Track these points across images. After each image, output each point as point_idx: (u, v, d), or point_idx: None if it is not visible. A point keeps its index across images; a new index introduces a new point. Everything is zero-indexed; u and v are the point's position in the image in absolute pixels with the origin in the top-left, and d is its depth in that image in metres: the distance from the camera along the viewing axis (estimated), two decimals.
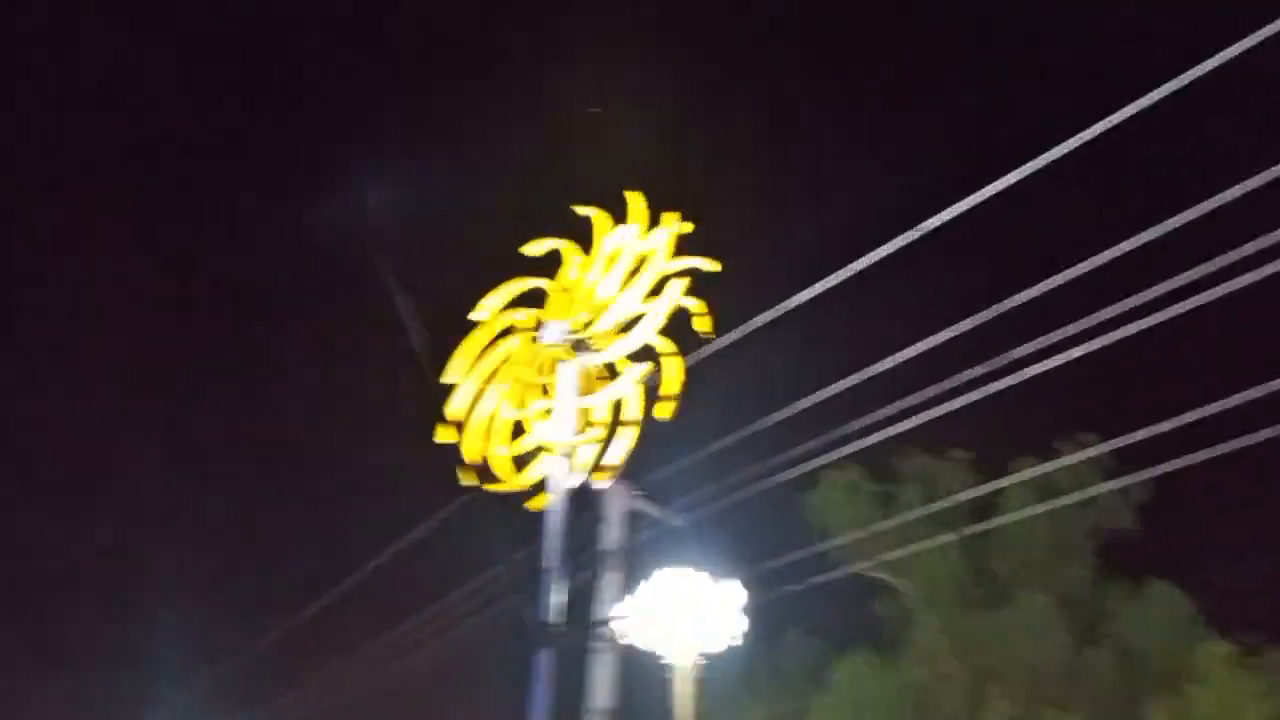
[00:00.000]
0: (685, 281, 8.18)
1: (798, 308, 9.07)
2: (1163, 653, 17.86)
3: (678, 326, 7.94)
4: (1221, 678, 15.73)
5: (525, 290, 8.56)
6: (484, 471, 8.15)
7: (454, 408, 8.11)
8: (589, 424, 8.15)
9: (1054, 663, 18.42)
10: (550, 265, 8.81)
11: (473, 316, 8.33)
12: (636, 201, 8.38)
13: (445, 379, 8.06)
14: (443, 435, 7.84)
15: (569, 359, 8.28)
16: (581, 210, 8.53)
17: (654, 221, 8.38)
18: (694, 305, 7.91)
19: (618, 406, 8.12)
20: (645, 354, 7.94)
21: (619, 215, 8.55)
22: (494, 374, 8.28)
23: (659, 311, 7.94)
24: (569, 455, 7.93)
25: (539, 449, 8.19)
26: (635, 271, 8.24)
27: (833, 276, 8.70)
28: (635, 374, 7.94)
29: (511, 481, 8.22)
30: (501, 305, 8.48)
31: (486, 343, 8.35)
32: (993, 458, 19.22)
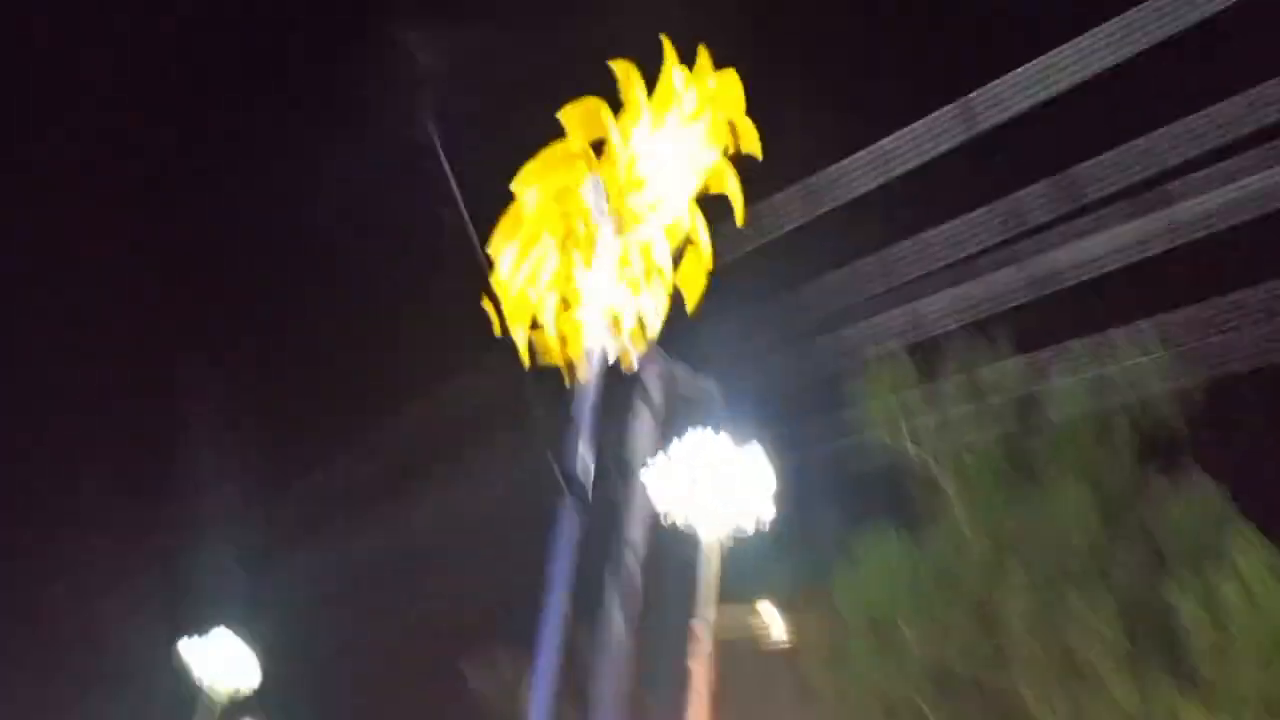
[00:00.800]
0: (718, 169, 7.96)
1: (848, 181, 9.16)
2: (1192, 539, 18.00)
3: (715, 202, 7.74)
4: (1246, 564, 15.87)
5: (564, 154, 8.41)
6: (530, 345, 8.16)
7: (500, 277, 8.13)
8: (628, 286, 8.11)
9: (1079, 544, 18.66)
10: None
11: (513, 187, 8.28)
12: (669, 50, 8.11)
13: (490, 250, 8.08)
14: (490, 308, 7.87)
15: (607, 222, 8.19)
16: (617, 66, 8.30)
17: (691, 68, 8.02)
18: (731, 190, 7.76)
19: (650, 276, 8.07)
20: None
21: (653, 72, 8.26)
22: (535, 240, 8.25)
23: (688, 191, 7.82)
24: (606, 319, 7.96)
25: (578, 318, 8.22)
26: (677, 134, 8.07)
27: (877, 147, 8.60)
28: (663, 255, 7.87)
29: (553, 354, 8.18)
30: (540, 173, 8.37)
31: (526, 212, 8.33)
32: (1040, 344, 19.20)
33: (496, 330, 7.61)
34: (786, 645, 20.73)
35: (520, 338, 7.91)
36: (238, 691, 20.86)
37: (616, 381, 10.90)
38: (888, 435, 19.90)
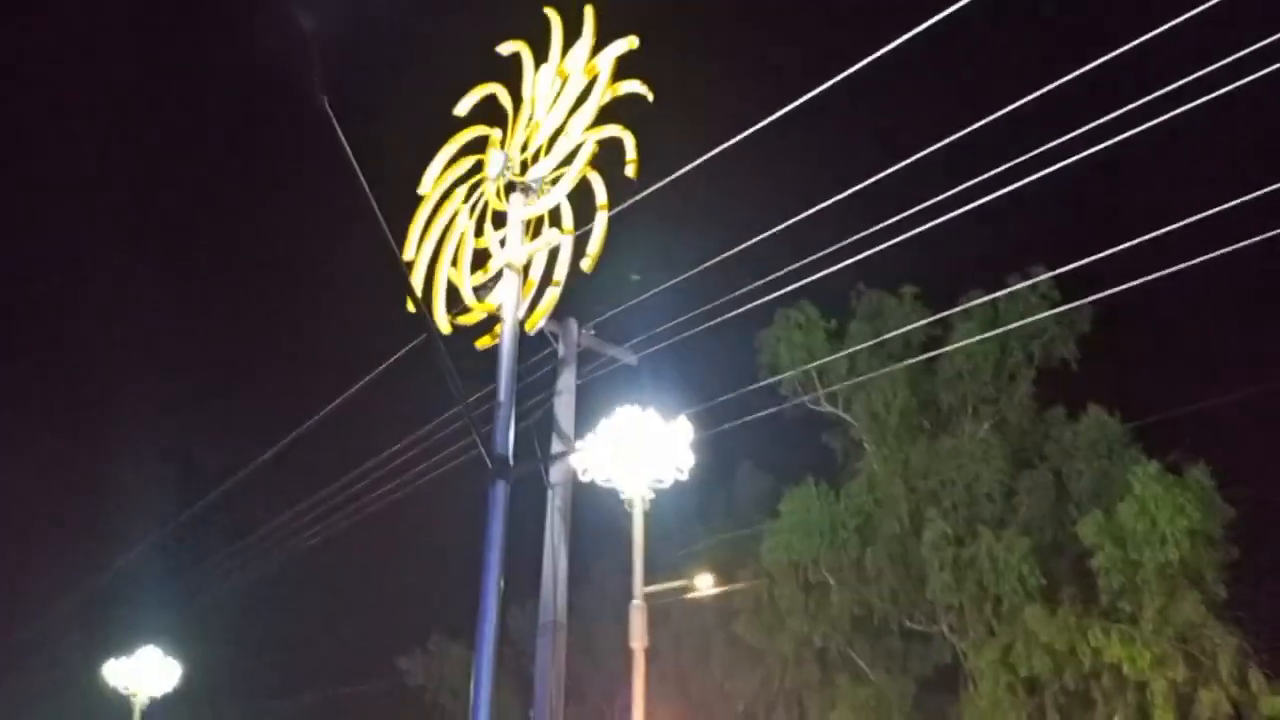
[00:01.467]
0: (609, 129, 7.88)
1: (749, 139, 9.03)
2: (1094, 473, 18.85)
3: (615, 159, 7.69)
4: (1147, 495, 16.65)
5: (469, 141, 8.45)
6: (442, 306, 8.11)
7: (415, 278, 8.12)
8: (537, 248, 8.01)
9: (991, 486, 19.38)
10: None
11: (420, 191, 8.33)
12: (589, 16, 8.10)
13: (406, 255, 8.06)
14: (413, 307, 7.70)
15: (515, 191, 8.15)
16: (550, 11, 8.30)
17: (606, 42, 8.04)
18: (626, 140, 7.71)
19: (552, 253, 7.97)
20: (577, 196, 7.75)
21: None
22: (445, 234, 8.26)
23: (583, 152, 7.74)
24: (520, 279, 7.87)
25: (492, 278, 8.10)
26: (581, 98, 7.98)
27: (787, 108, 8.69)
28: (553, 233, 7.80)
29: (466, 310, 8.06)
30: (443, 168, 8.40)
31: (434, 209, 8.34)
32: (942, 292, 20.15)
33: (409, 305, 7.50)
34: (717, 601, 21.22)
35: (439, 311, 7.90)
36: (157, 696, 20.63)
37: (532, 353, 11.05)
38: (801, 388, 20.40)
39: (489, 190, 8.25)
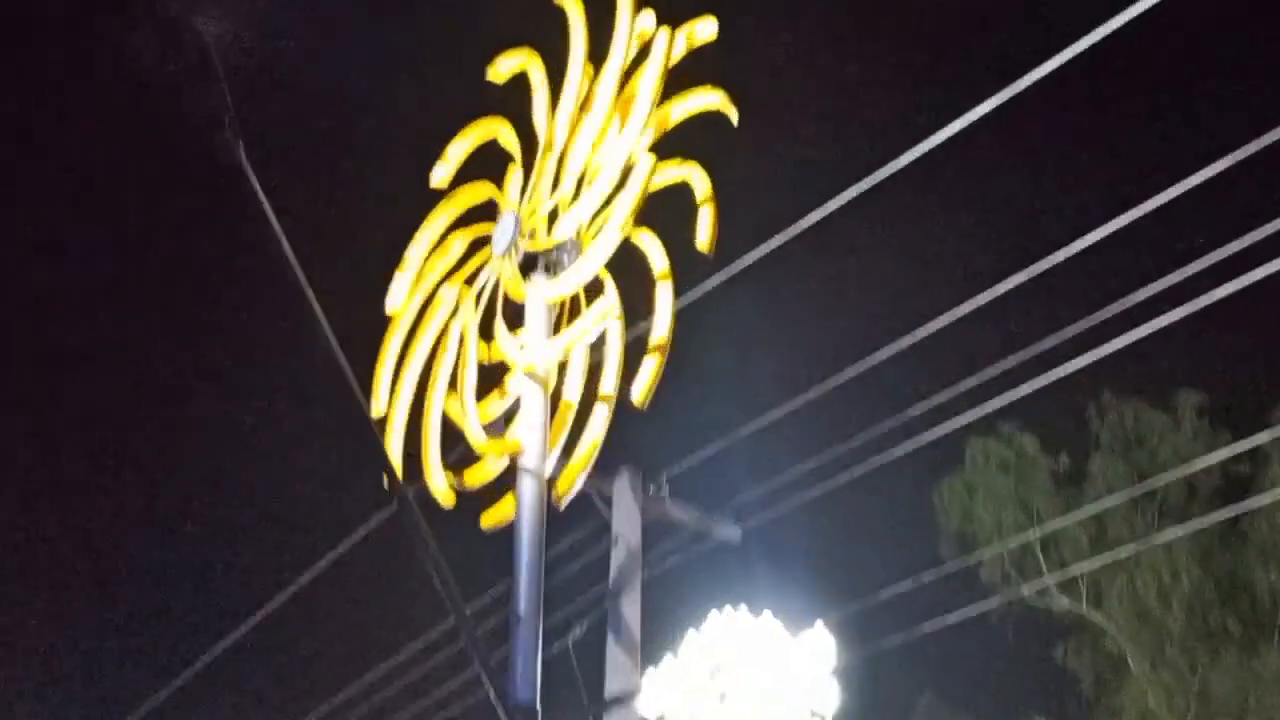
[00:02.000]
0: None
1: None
2: None
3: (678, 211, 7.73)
4: None
5: (460, 214, 8.75)
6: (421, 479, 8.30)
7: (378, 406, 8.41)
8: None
9: None
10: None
11: (389, 309, 8.62)
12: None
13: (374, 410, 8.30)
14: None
15: (542, 295, 8.11)
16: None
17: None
18: (696, 180, 7.81)
19: (592, 364, 7.98)
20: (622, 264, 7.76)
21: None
22: (435, 353, 8.49)
23: (638, 174, 7.70)
24: (545, 402, 7.92)
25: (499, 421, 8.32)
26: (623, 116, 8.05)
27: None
28: (597, 312, 7.73)
29: (447, 492, 8.16)
30: (423, 261, 8.65)
31: (411, 330, 8.60)
32: (1244, 404, 19.69)
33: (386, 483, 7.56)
34: None
35: (434, 473, 8.05)
36: None
37: (573, 526, 10.75)
38: (1014, 570, 19.85)
39: (497, 273, 8.30)
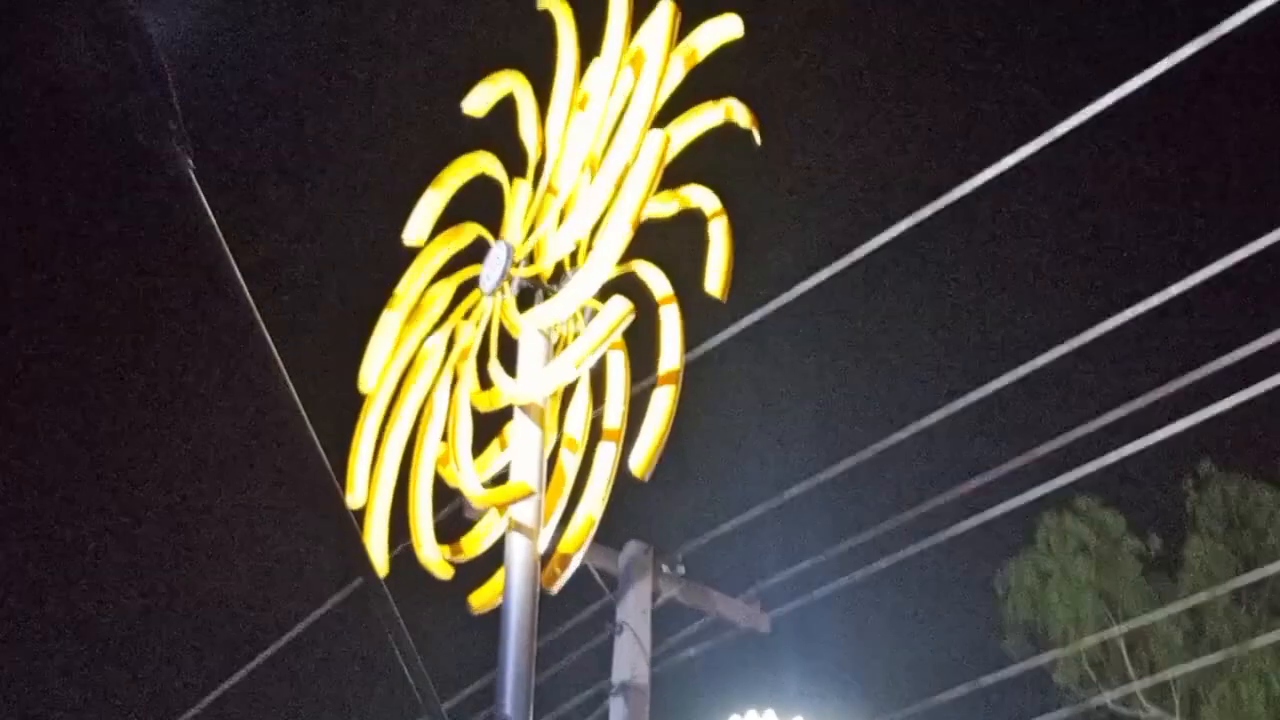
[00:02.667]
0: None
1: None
2: None
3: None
4: None
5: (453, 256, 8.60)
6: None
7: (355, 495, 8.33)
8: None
9: None
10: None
11: (363, 387, 8.56)
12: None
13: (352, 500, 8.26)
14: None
15: (534, 323, 8.00)
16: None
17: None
18: (736, 113, 7.78)
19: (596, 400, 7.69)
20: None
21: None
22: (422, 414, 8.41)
23: (649, 151, 7.53)
24: (542, 457, 7.70)
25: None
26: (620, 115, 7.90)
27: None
28: (598, 331, 7.50)
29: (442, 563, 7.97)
30: (405, 320, 8.54)
31: (391, 401, 8.48)
32: None
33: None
34: None
35: (429, 546, 7.87)
36: None
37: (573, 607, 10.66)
38: (1093, 673, 19.58)
39: (490, 314, 8.19)
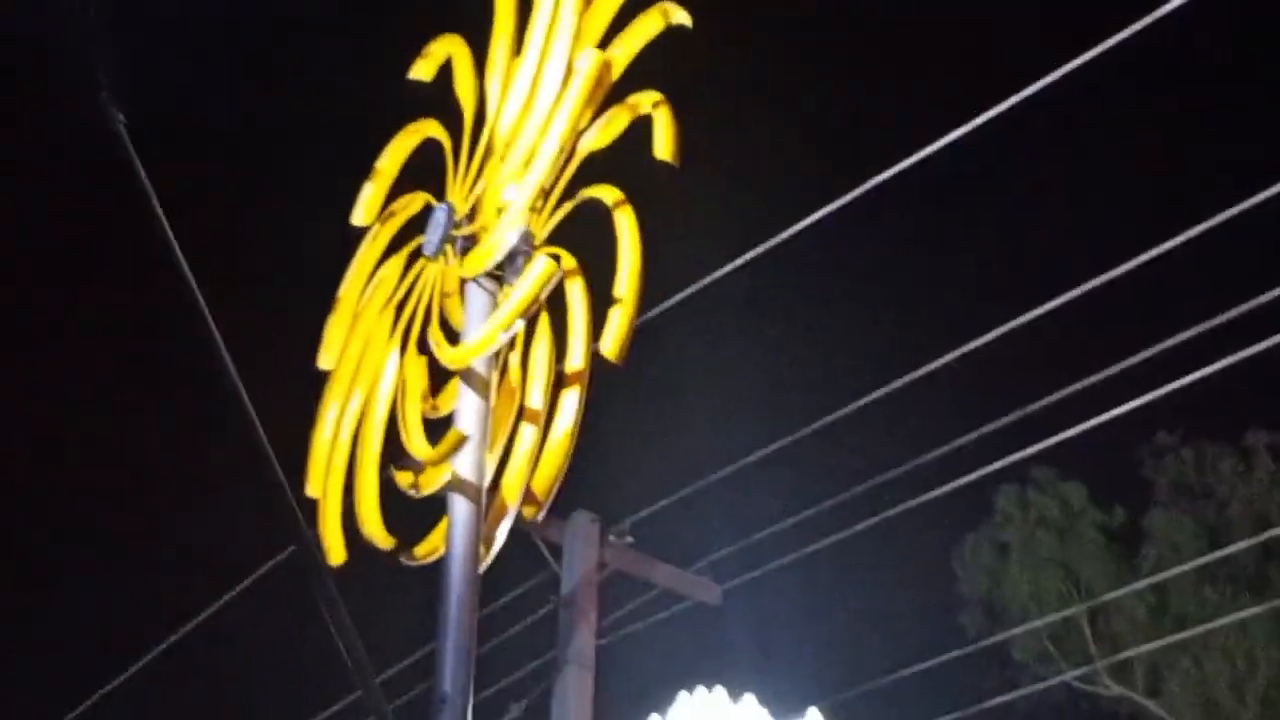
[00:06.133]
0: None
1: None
2: None
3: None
4: None
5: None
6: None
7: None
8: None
9: None
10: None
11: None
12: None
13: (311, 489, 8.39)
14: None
15: (465, 273, 8.19)
16: None
17: None
18: (652, 109, 7.81)
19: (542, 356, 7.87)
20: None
21: None
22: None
23: (561, 120, 7.74)
24: (485, 401, 7.90)
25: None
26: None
27: None
28: (530, 282, 7.64)
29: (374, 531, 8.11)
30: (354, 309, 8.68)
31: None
32: None
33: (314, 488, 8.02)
34: None
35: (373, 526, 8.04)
36: None
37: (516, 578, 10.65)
38: (1056, 649, 19.81)
39: (435, 279, 8.35)
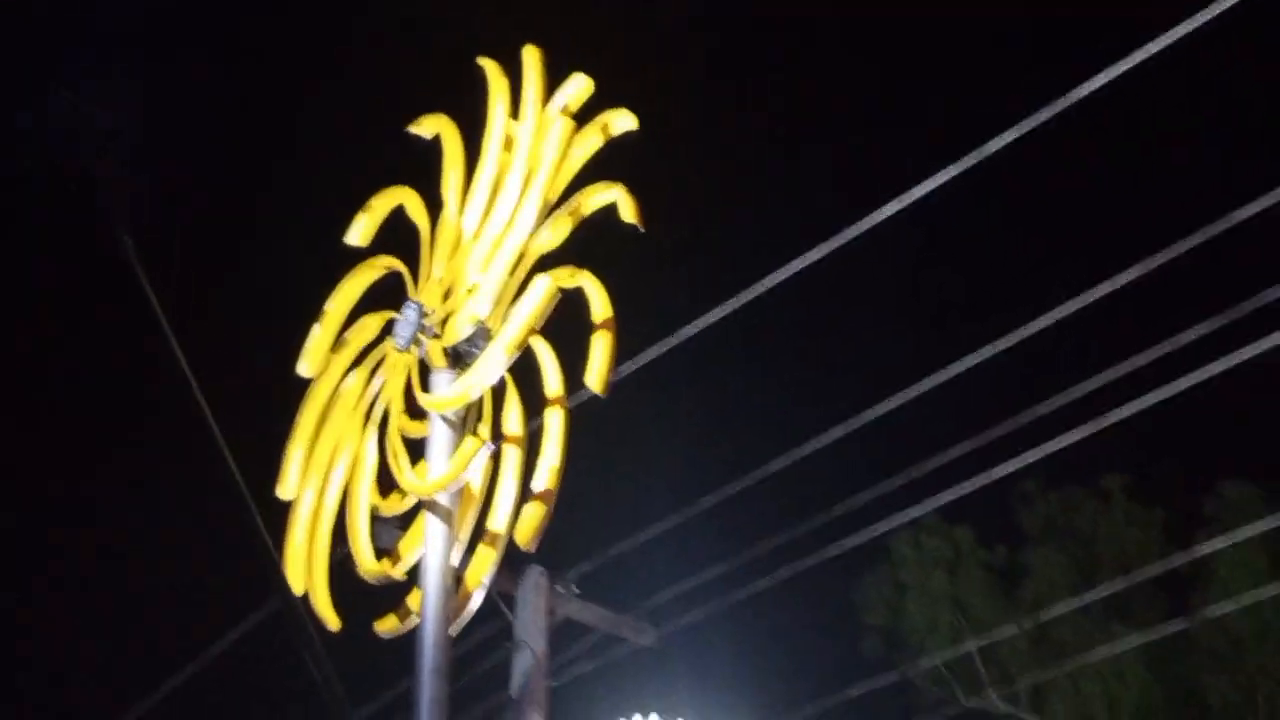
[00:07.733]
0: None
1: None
2: None
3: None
4: None
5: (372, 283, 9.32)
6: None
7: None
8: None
9: None
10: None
11: (302, 370, 9.06)
12: (533, 59, 8.96)
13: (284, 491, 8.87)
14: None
15: (437, 365, 8.80)
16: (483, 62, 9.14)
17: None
18: (616, 198, 8.50)
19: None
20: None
21: None
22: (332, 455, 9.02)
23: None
24: (447, 523, 8.54)
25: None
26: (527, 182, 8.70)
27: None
28: (532, 302, 8.39)
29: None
30: (333, 335, 9.12)
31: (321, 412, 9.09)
32: (1186, 492, 20.17)
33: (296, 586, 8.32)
34: None
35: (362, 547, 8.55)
36: None
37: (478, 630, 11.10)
38: (952, 677, 20.28)
39: (400, 370, 8.85)
